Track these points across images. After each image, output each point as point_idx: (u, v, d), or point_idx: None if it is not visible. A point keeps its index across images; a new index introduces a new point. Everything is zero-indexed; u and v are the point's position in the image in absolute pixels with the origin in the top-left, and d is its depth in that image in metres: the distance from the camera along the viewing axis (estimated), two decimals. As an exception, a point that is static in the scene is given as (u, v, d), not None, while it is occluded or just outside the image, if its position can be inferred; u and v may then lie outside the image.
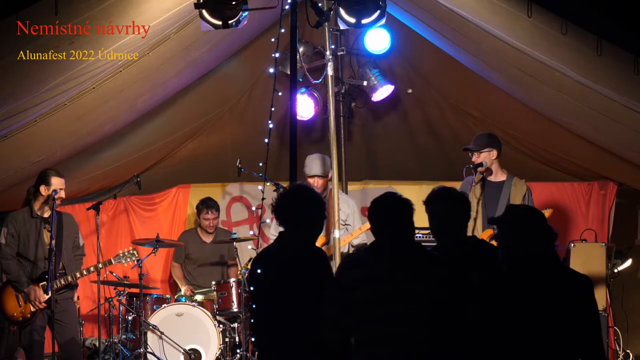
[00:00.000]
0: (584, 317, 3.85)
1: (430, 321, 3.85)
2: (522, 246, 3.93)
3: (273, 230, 7.24)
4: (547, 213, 6.57)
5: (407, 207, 4.08)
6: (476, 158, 6.54)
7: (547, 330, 3.81)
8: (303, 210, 4.31)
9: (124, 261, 7.06)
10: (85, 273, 6.80)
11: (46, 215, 6.78)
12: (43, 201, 6.74)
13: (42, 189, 6.70)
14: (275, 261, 4.34)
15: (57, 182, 6.71)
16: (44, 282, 6.59)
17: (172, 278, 8.56)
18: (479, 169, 6.50)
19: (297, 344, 4.20)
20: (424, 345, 3.84)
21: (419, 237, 6.33)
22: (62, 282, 6.68)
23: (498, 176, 6.60)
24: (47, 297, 6.58)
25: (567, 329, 3.81)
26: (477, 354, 3.91)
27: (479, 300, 3.92)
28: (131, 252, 7.07)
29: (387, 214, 4.05)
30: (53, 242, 6.45)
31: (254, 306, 4.39)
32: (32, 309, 6.63)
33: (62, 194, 6.77)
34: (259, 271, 4.40)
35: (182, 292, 8.04)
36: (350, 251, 6.91)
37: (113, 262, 6.97)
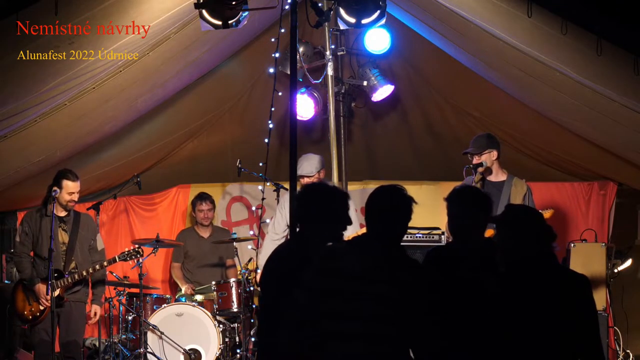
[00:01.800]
0: (582, 316, 3.84)
1: (402, 325, 3.80)
2: (521, 246, 3.92)
3: (271, 231, 7.25)
4: (548, 213, 6.57)
5: (405, 205, 3.96)
6: (477, 160, 6.54)
7: (546, 330, 3.80)
8: (311, 208, 4.29)
9: (128, 259, 7.06)
10: (90, 271, 6.80)
11: (61, 214, 6.81)
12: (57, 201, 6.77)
13: (55, 190, 6.72)
14: (287, 261, 4.30)
15: (68, 186, 6.70)
16: (52, 280, 6.61)
17: (172, 278, 8.56)
18: (479, 169, 6.51)
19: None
20: (396, 348, 3.80)
21: (419, 237, 6.33)
22: (70, 281, 6.68)
23: (498, 176, 6.60)
24: (54, 295, 6.61)
25: (565, 329, 3.81)
26: (477, 354, 3.91)
27: (492, 302, 3.90)
28: (136, 249, 7.08)
29: (381, 208, 3.96)
30: (54, 242, 6.49)
31: (259, 305, 4.36)
32: (41, 308, 6.64)
33: (75, 197, 6.77)
34: (269, 269, 4.38)
35: (183, 291, 8.03)
36: None
37: (117, 260, 6.97)
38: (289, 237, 5.73)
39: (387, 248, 3.90)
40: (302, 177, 6.82)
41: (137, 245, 7.17)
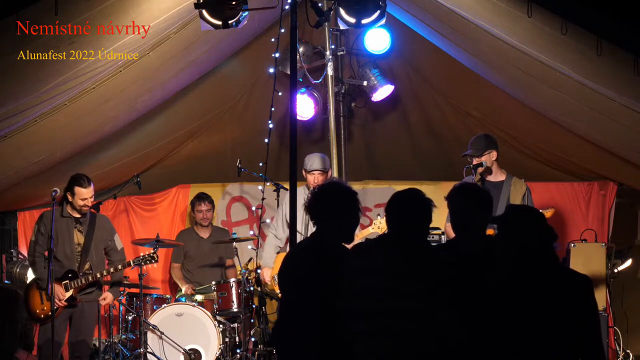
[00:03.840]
0: (583, 317, 3.84)
1: (428, 320, 3.84)
2: (522, 246, 3.93)
3: (272, 231, 7.30)
4: (548, 213, 6.58)
5: (425, 204, 4.09)
6: (476, 161, 6.56)
7: (546, 331, 3.80)
8: (325, 206, 4.32)
9: (143, 264, 7.09)
10: (105, 273, 6.84)
11: (77, 215, 6.85)
12: (71, 204, 6.81)
13: (68, 195, 6.74)
14: (304, 258, 4.33)
15: (80, 192, 6.73)
16: (67, 281, 6.68)
17: (173, 278, 8.56)
18: (479, 169, 6.52)
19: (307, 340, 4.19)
20: (422, 343, 3.84)
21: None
22: (83, 282, 6.72)
23: (497, 176, 6.62)
24: (67, 295, 6.67)
25: (566, 330, 3.81)
26: (478, 354, 3.91)
27: (493, 301, 3.91)
28: (151, 254, 7.09)
29: (402, 210, 4.05)
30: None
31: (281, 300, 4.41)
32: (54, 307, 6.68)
33: (88, 202, 6.80)
34: (286, 268, 4.40)
35: (184, 291, 8.04)
36: None
37: (132, 265, 6.99)
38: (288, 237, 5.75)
39: (412, 245, 3.97)
40: (312, 172, 6.86)
41: (152, 250, 7.17)
